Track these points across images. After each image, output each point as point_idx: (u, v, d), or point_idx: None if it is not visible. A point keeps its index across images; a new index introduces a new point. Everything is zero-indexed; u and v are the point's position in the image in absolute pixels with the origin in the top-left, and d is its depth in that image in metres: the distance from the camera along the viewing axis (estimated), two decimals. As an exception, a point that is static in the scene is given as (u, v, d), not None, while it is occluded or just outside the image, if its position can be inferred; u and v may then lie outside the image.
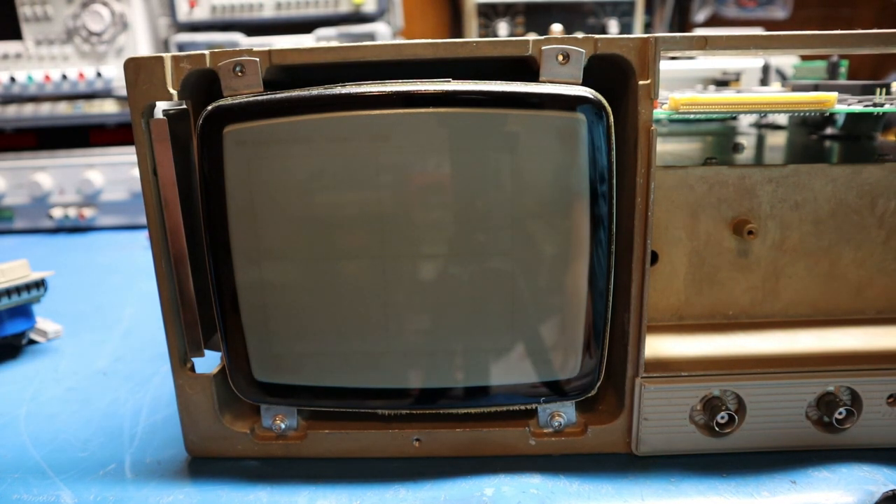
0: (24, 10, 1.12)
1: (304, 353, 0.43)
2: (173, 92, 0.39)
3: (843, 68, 0.72)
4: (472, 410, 0.45)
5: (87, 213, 1.17)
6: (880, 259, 0.47)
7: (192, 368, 0.44)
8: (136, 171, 1.13)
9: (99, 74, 1.10)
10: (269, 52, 0.39)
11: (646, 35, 0.39)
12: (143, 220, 0.99)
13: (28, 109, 1.14)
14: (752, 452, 0.44)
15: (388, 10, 1.21)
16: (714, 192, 0.46)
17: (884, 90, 0.49)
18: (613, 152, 0.39)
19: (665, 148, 0.60)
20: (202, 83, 0.41)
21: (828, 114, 0.47)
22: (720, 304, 0.48)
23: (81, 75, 1.10)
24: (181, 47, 1.17)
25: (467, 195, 0.39)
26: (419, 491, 0.42)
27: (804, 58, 0.87)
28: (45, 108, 1.14)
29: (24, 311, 0.64)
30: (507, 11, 1.47)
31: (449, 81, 0.38)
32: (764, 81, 0.92)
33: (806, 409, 0.43)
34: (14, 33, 1.13)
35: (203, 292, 0.43)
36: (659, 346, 0.46)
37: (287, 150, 0.39)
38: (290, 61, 0.39)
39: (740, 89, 0.81)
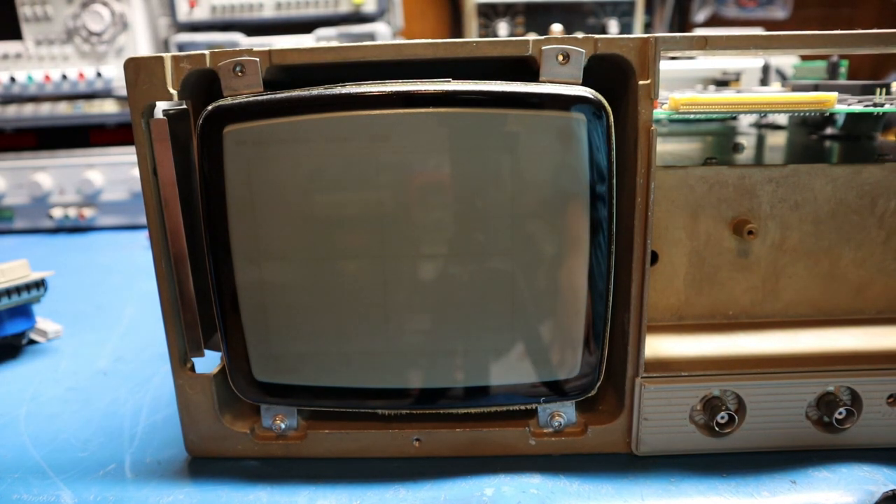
0: (24, 10, 1.12)
1: (304, 353, 0.43)
2: (173, 92, 0.39)
3: (843, 68, 0.72)
4: (472, 410, 0.45)
5: (87, 213, 1.17)
6: (880, 259, 0.47)
7: (192, 368, 0.44)
8: (136, 171, 1.13)
9: (99, 74, 1.10)
10: (269, 52, 0.39)
11: (646, 35, 0.39)
12: (143, 220, 0.99)
13: (28, 109, 1.14)
14: (752, 452, 0.44)
15: (388, 10, 1.21)
16: (714, 192, 0.46)
17: (884, 90, 0.49)
18: (613, 152, 0.39)
19: (665, 148, 0.60)
20: (202, 83, 0.41)
21: (828, 114, 0.47)
22: (720, 304, 0.48)
23: (81, 75, 1.10)
24: (181, 47, 1.17)
25: (467, 195, 0.39)
26: (419, 491, 0.42)
27: (804, 58, 0.87)
28: (45, 108, 1.14)
29: (24, 311, 0.64)
30: (507, 11, 1.47)
31: (449, 81, 0.38)
32: (764, 81, 0.92)
33: (806, 409, 0.43)
34: (14, 33, 1.13)
35: (203, 292, 0.43)
36: (659, 346, 0.46)
37: (287, 150, 0.39)
38: (290, 61, 0.39)
39: (740, 89, 0.81)
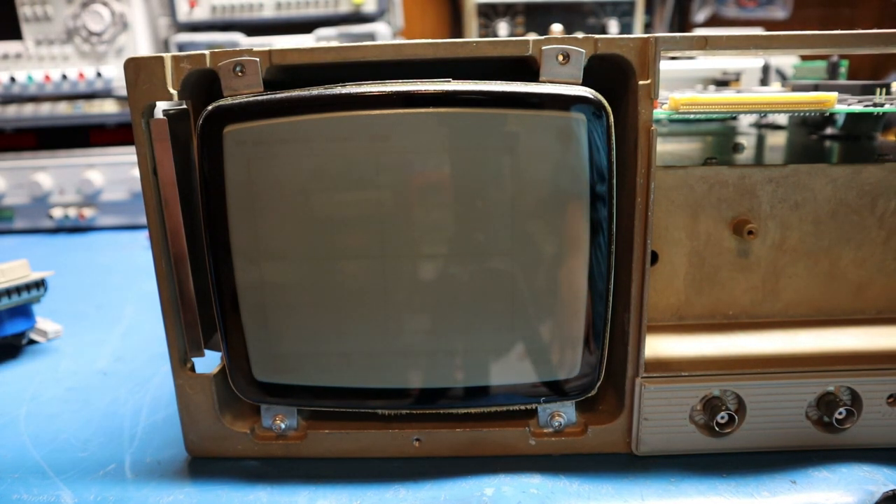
0: (24, 10, 1.12)
1: (304, 353, 0.43)
2: (173, 92, 0.39)
3: (843, 68, 0.72)
4: (472, 410, 0.45)
5: (87, 213, 1.17)
6: (880, 259, 0.47)
7: (192, 368, 0.44)
8: (136, 171, 1.13)
9: (99, 74, 1.10)
10: (269, 52, 0.39)
11: (646, 35, 0.39)
12: (143, 220, 0.99)
13: (28, 109, 1.14)
14: (752, 452, 0.44)
15: (388, 10, 1.21)
16: (714, 192, 0.46)
17: (884, 90, 0.49)
18: (613, 152, 0.39)
19: (665, 148, 0.60)
20: (202, 83, 0.41)
21: (828, 114, 0.47)
22: (720, 304, 0.48)
23: (81, 75, 1.10)
24: (181, 47, 1.17)
25: (467, 195, 0.39)
26: (419, 491, 0.42)
27: (804, 58, 0.87)
28: (45, 108, 1.14)
29: (24, 311, 0.64)
30: (507, 11, 1.47)
31: (449, 81, 0.38)
32: (764, 81, 0.92)
33: (806, 409, 0.43)
34: (14, 33, 1.13)
35: (203, 292, 0.43)
36: (659, 346, 0.46)
37: (287, 150, 0.39)
38: (290, 61, 0.39)
39: (740, 89, 0.81)
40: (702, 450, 0.44)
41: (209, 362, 0.45)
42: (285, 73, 0.41)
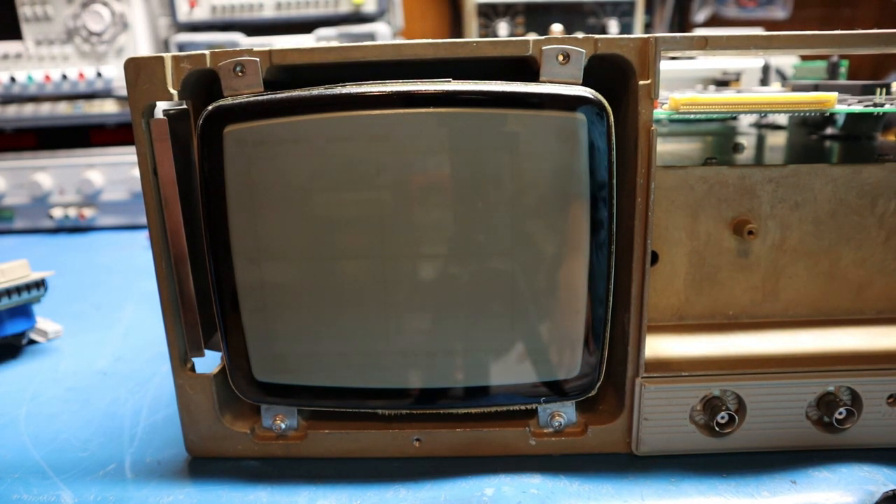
0: (24, 10, 1.12)
1: (304, 353, 0.43)
2: (173, 92, 0.39)
3: (843, 68, 0.72)
4: (473, 410, 0.45)
5: (87, 213, 1.17)
6: (880, 259, 0.47)
7: (193, 368, 0.44)
8: (136, 171, 1.13)
9: (99, 74, 1.10)
10: (270, 52, 0.39)
11: (646, 35, 0.39)
12: (143, 220, 0.99)
13: (28, 109, 1.14)
14: (752, 452, 0.44)
15: (388, 10, 1.21)
16: (714, 192, 0.46)
17: (884, 90, 0.49)
18: (613, 152, 0.39)
19: (665, 148, 0.60)
20: (202, 83, 0.41)
21: (828, 114, 0.47)
22: (720, 304, 0.48)
23: (81, 75, 1.10)
24: (181, 47, 1.17)
25: (467, 195, 0.39)
26: (419, 491, 0.42)
27: (804, 58, 0.87)
28: (45, 108, 1.14)
29: (24, 311, 0.64)
30: (507, 11, 1.47)
31: (449, 81, 0.38)
32: (764, 81, 0.92)
33: (806, 409, 0.43)
34: (14, 33, 1.13)
35: (203, 292, 0.43)
36: (659, 346, 0.46)
37: (287, 150, 0.39)
38: (290, 61, 0.39)
39: (740, 89, 0.81)
40: (702, 450, 0.44)
41: (209, 362, 0.45)
42: (285, 73, 0.41)
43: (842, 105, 0.43)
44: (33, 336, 0.67)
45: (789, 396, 0.42)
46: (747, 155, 0.56)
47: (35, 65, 1.14)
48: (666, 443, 0.43)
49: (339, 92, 0.38)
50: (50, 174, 1.16)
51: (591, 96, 0.38)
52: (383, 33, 1.17)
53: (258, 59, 0.39)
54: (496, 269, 0.40)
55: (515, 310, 0.41)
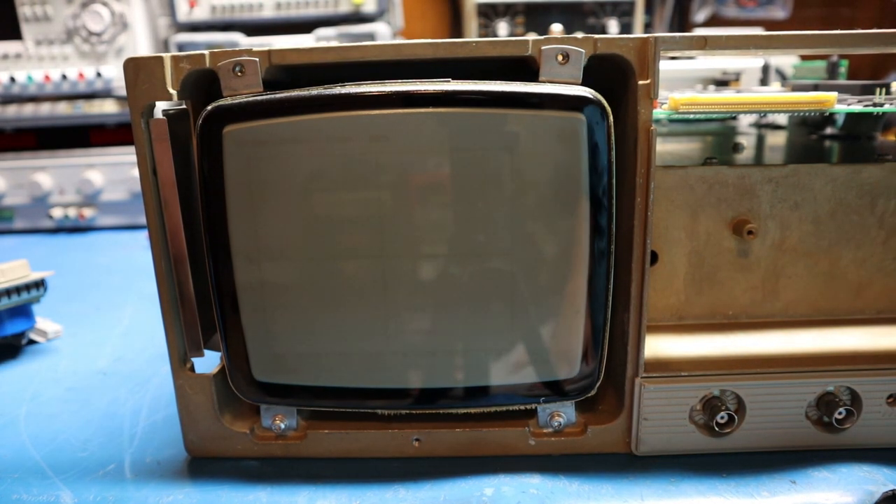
0: (24, 10, 1.12)
1: (303, 353, 0.43)
2: (173, 92, 0.39)
3: (843, 68, 0.72)
4: (472, 410, 0.45)
5: (87, 213, 1.17)
6: (880, 259, 0.47)
7: (192, 368, 0.44)
8: (136, 171, 1.13)
9: (99, 74, 1.11)
10: (269, 52, 0.39)
11: (646, 35, 0.39)
12: (143, 220, 0.99)
13: (28, 109, 1.14)
14: (751, 452, 0.44)
15: (388, 10, 1.21)
16: (714, 192, 0.46)
17: (884, 90, 0.49)
18: (613, 152, 0.39)
19: (665, 148, 0.60)
20: (202, 83, 0.41)
21: (828, 114, 0.47)
22: (720, 304, 0.48)
23: (81, 75, 1.10)
24: (181, 47, 1.17)
25: (467, 195, 0.39)
26: (419, 491, 0.42)
27: (804, 58, 0.87)
28: (45, 108, 1.14)
29: (24, 311, 0.64)
30: (507, 11, 1.47)
31: (448, 81, 0.38)
32: (764, 81, 0.92)
33: (806, 409, 0.43)
34: (14, 33, 1.13)
35: (203, 292, 0.43)
36: (659, 346, 0.46)
37: (287, 150, 0.39)
38: (289, 61, 0.39)
39: (740, 89, 0.81)
40: (702, 450, 0.44)
41: (209, 362, 0.45)
42: (285, 73, 0.41)
43: (841, 105, 0.43)
44: (33, 336, 0.67)
45: (789, 396, 0.42)
46: (747, 155, 0.56)
47: (35, 65, 1.14)
48: (665, 443, 0.43)
49: (338, 92, 0.38)
50: (50, 174, 1.16)
51: (590, 96, 0.38)
52: (383, 33, 1.17)
53: (257, 59, 0.39)
54: (495, 269, 0.40)
55: (515, 310, 0.41)
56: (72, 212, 1.17)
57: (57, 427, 0.51)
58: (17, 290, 0.62)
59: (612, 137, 0.38)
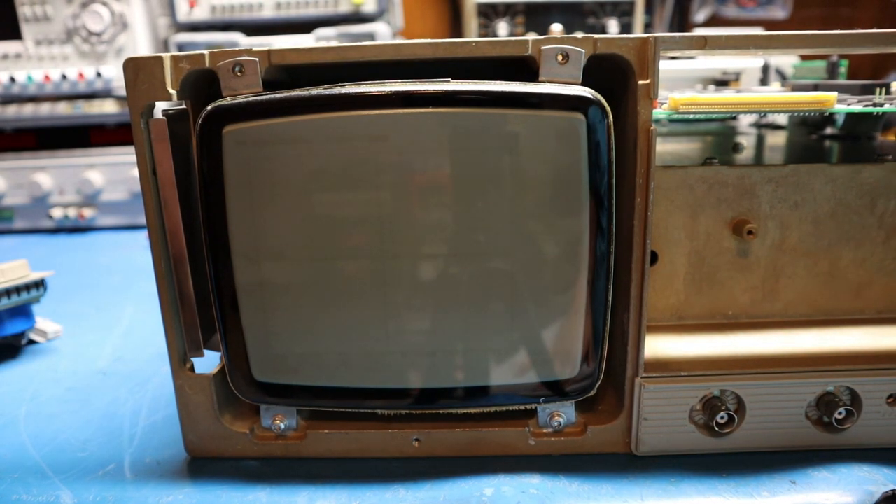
0: (24, 10, 1.12)
1: (303, 353, 0.43)
2: (173, 92, 0.39)
3: (843, 68, 0.72)
4: (472, 410, 0.45)
5: (87, 213, 1.17)
6: (880, 259, 0.47)
7: (192, 368, 0.44)
8: (136, 171, 1.13)
9: (99, 74, 1.11)
10: (269, 52, 0.39)
11: (645, 35, 0.39)
12: (143, 220, 0.99)
13: (28, 109, 1.14)
14: (751, 452, 0.44)
15: (387, 10, 1.21)
16: (714, 192, 0.46)
17: (884, 90, 0.49)
18: (613, 152, 0.39)
19: (665, 148, 0.60)
20: (201, 83, 0.41)
21: (828, 114, 0.46)
22: (720, 304, 0.48)
23: (81, 75, 1.10)
24: (181, 47, 1.17)
25: (467, 195, 0.39)
26: (419, 491, 0.42)
27: (804, 58, 0.87)
28: (45, 108, 1.14)
29: (23, 311, 0.64)
30: (507, 11, 1.47)
31: (448, 81, 0.38)
32: (764, 81, 0.92)
33: (806, 409, 0.43)
34: (14, 33, 1.13)
35: (203, 292, 0.43)
36: (659, 346, 0.46)
37: (287, 150, 0.39)
38: (289, 61, 0.39)
39: (740, 89, 0.81)
40: (701, 450, 0.43)
41: (209, 362, 0.45)
42: (285, 73, 0.41)
43: (841, 105, 0.43)
44: (33, 336, 0.67)
45: (789, 396, 0.42)
46: (747, 155, 0.56)
47: (35, 65, 1.14)
48: (665, 443, 0.43)
49: (338, 92, 0.38)
50: (50, 174, 1.16)
51: (590, 96, 0.38)
52: (383, 33, 1.17)
53: (257, 59, 0.39)
54: (495, 269, 0.40)
55: (515, 310, 0.41)
56: (72, 212, 1.17)
57: (57, 427, 0.51)
58: (17, 290, 0.62)
59: (612, 137, 0.38)
